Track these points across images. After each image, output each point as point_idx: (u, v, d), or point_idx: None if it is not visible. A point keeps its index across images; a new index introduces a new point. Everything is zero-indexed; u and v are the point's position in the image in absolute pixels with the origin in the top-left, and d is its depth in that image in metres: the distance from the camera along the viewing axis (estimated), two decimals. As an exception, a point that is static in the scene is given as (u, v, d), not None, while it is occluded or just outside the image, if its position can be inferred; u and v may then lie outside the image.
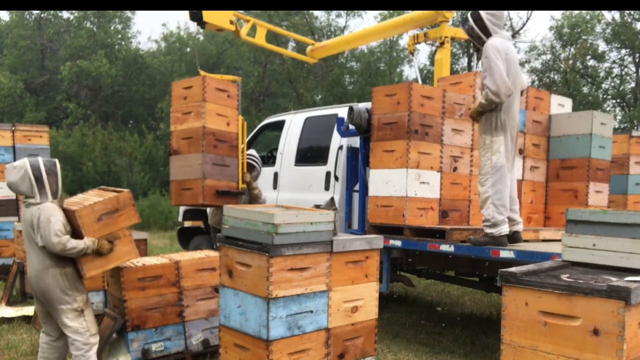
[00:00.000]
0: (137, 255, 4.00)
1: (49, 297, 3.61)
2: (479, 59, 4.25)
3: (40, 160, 3.70)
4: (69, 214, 3.68)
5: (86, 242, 3.58)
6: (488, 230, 4.14)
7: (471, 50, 19.95)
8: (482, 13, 4.13)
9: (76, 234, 3.67)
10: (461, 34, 6.98)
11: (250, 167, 5.51)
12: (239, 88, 5.43)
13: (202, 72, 5.38)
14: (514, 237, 4.26)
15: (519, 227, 4.35)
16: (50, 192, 3.66)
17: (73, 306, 3.64)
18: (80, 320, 3.66)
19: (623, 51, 21.45)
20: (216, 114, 5.14)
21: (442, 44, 7.37)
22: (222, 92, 5.23)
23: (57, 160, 3.80)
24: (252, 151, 5.84)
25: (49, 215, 3.54)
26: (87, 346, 3.65)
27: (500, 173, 4.09)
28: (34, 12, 26.36)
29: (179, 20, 50.32)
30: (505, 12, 4.22)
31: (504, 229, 4.13)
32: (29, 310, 5.54)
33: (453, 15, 7.72)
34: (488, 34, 4.12)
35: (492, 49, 4.01)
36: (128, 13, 27.62)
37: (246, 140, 5.43)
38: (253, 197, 5.45)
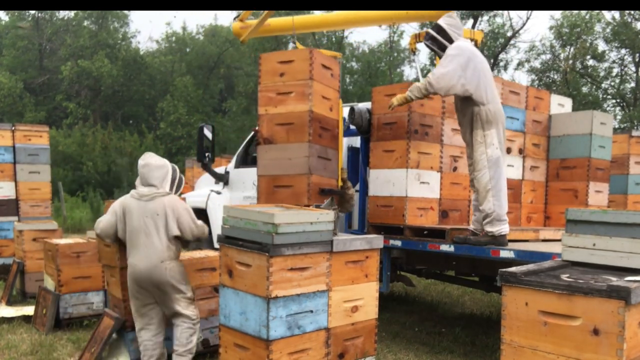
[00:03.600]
0: None
1: (165, 287, 3.81)
2: None
3: (177, 168, 4.16)
4: None
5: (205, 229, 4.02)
6: (488, 229, 4.13)
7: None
8: (443, 24, 4.24)
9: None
10: (464, 33, 6.97)
11: None
12: (341, 66, 4.54)
13: (299, 45, 4.65)
14: None
15: None
16: (174, 190, 4.02)
17: (187, 295, 3.90)
18: (192, 307, 3.92)
19: (623, 51, 21.45)
20: (321, 97, 4.29)
21: None
22: (327, 70, 4.37)
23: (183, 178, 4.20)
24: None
25: (185, 206, 3.92)
26: (192, 330, 3.91)
27: (497, 165, 4.11)
28: (32, 12, 26.36)
29: (183, 20, 50.39)
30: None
31: (504, 228, 4.13)
32: (29, 310, 5.54)
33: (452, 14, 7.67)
34: (451, 41, 4.21)
35: (456, 48, 4.13)
36: (126, 12, 27.61)
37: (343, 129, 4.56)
38: (347, 198, 4.65)
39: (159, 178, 3.88)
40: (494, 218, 4.10)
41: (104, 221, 3.97)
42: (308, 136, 4.18)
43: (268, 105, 4.36)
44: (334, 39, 23.41)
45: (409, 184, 4.76)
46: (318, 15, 6.94)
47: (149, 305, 3.89)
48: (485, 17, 21.51)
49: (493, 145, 4.10)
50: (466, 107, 4.22)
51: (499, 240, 4.13)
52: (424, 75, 4.44)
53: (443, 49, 4.22)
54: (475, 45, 6.90)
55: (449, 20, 4.27)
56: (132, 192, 3.92)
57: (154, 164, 3.91)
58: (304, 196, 4.23)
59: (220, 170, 7.12)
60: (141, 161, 3.93)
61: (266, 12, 6.21)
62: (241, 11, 7.05)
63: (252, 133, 7.22)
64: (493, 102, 4.14)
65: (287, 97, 4.28)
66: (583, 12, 20.84)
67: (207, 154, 6.67)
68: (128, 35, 28.20)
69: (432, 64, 20.78)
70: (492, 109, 4.12)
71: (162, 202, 3.81)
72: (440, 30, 4.23)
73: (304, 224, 3.23)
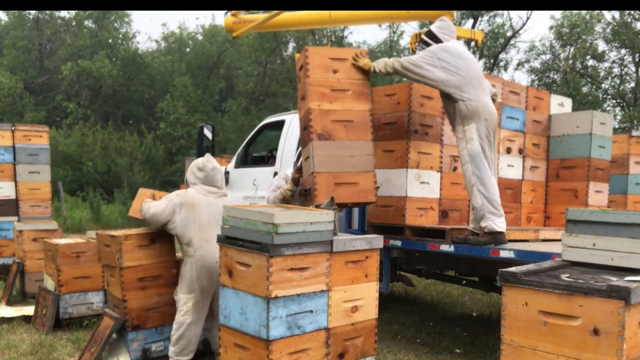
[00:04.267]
0: None
1: None
2: None
3: None
4: None
5: None
6: (482, 224, 4.13)
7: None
8: (434, 28, 4.36)
9: None
10: (464, 33, 6.98)
11: None
12: None
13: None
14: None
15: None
16: None
17: None
18: None
19: (623, 51, 21.47)
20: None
21: None
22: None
23: None
24: None
25: None
26: None
27: (478, 159, 4.12)
28: (32, 12, 26.37)
29: (180, 20, 50.43)
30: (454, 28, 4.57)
31: (499, 222, 4.11)
32: (29, 310, 5.54)
33: (454, 14, 7.70)
34: (440, 42, 4.32)
35: (439, 46, 4.23)
36: (126, 12, 27.62)
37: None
38: None
39: (221, 180, 4.22)
40: (485, 212, 4.10)
41: (158, 209, 4.03)
42: (371, 135, 4.34)
43: (321, 100, 4.29)
44: (333, 39, 23.39)
45: (409, 184, 4.76)
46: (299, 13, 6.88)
47: (207, 298, 4.07)
48: (485, 17, 21.53)
49: (473, 140, 4.13)
50: (448, 104, 4.30)
51: (498, 239, 4.11)
52: None
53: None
54: (476, 45, 6.91)
55: (440, 24, 4.39)
56: (197, 188, 4.12)
57: (218, 168, 4.23)
58: (371, 193, 4.32)
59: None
60: (209, 164, 4.17)
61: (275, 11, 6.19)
62: None
63: (254, 132, 7.23)
64: (476, 98, 4.17)
65: (344, 94, 4.32)
66: (583, 12, 20.85)
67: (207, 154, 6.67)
68: (128, 35, 28.21)
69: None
70: (472, 105, 4.14)
71: (224, 201, 4.19)
72: (431, 35, 4.35)
73: (304, 224, 3.23)
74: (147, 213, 4.07)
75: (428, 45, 4.34)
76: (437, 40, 4.32)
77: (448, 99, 4.28)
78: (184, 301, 4.02)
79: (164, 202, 4.06)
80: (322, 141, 4.23)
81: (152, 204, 4.10)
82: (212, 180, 4.16)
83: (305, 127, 4.40)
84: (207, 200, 4.08)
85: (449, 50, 4.22)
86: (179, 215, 4.00)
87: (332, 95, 4.30)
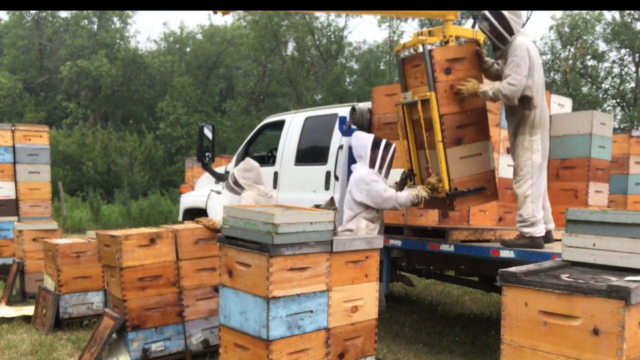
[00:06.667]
0: None
1: None
2: (497, 57, 4.25)
3: None
4: None
5: None
6: (526, 230, 4.10)
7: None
8: (506, 13, 4.04)
9: None
10: (466, 33, 6.98)
11: None
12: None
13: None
14: (546, 236, 4.25)
15: (551, 226, 4.38)
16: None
17: None
18: None
19: (623, 51, 21.47)
20: None
21: (446, 42, 7.34)
22: None
23: None
24: None
25: None
26: None
27: (540, 172, 4.13)
28: (32, 11, 26.37)
29: (180, 19, 50.42)
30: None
31: (541, 229, 4.12)
32: (29, 310, 5.54)
33: (457, 14, 7.69)
34: (512, 33, 4.04)
35: (524, 49, 3.97)
36: (128, 12, 27.62)
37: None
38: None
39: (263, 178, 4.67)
40: (532, 222, 4.09)
41: None
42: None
43: None
44: (332, 39, 23.39)
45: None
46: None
47: None
48: (485, 17, 21.49)
49: (538, 152, 4.11)
50: (515, 108, 4.14)
51: (537, 243, 4.09)
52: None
53: (499, 37, 4.05)
54: (478, 45, 6.91)
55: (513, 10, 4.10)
56: (257, 191, 4.52)
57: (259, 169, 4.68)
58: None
59: (220, 170, 7.13)
60: (254, 163, 4.66)
61: None
62: None
63: (254, 132, 7.23)
64: (541, 106, 4.11)
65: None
66: (583, 12, 20.86)
67: (207, 154, 6.67)
68: (127, 35, 28.21)
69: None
70: (539, 113, 4.09)
71: (275, 200, 4.65)
72: (504, 22, 4.03)
73: (304, 224, 3.23)
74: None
75: (495, 31, 4.03)
76: (508, 27, 4.01)
77: (519, 103, 4.08)
78: None
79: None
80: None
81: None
82: (261, 178, 4.63)
83: (469, 124, 4.24)
84: (266, 200, 4.45)
85: (535, 52, 4.03)
86: None
87: None
